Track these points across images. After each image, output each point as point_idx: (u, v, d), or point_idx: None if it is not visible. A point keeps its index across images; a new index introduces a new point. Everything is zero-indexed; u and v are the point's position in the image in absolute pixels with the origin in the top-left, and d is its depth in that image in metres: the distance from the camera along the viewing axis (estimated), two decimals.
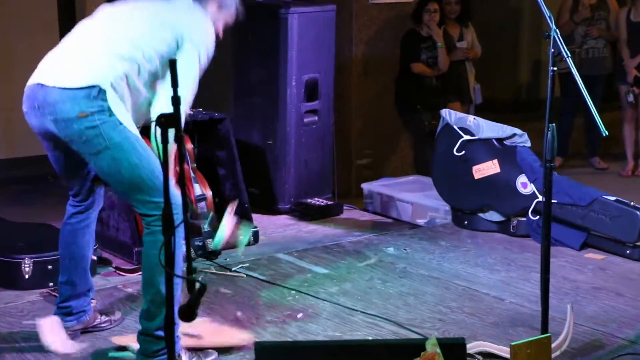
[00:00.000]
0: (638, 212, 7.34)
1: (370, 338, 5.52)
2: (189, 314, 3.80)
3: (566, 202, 7.37)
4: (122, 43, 4.93)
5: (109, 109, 4.75)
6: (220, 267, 6.84)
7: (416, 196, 8.57)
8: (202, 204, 6.76)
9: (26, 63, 5.58)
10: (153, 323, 4.96)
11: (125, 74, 4.79)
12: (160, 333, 4.84)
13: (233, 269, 6.85)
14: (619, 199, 7.57)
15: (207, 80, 5.63)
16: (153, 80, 4.98)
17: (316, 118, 8.68)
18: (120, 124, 4.84)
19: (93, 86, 4.70)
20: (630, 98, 10.24)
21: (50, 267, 6.25)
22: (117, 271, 6.84)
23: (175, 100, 3.37)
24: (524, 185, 7.82)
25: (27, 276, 6.35)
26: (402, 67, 9.61)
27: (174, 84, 3.31)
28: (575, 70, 4.60)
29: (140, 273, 6.03)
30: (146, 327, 4.96)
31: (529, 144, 8.02)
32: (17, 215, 7.84)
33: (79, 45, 5.05)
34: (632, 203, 7.46)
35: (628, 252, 7.22)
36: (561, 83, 9.40)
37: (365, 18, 9.31)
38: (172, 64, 3.37)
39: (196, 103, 6.23)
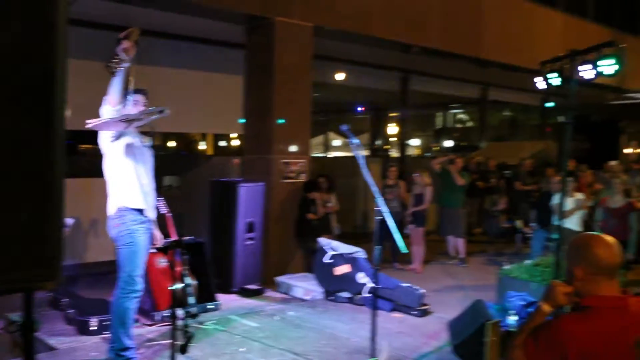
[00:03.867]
0: (416, 291, 7.87)
1: None
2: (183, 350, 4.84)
3: (383, 286, 7.65)
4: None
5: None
6: (198, 323, 6.93)
7: (305, 283, 8.83)
8: (191, 289, 6.05)
9: None
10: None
11: None
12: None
13: (205, 323, 7.10)
14: (409, 284, 8.03)
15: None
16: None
17: (253, 241, 8.95)
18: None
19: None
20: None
21: (105, 323, 6.30)
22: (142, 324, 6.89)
23: None
24: (358, 278, 8.30)
25: (93, 328, 6.58)
26: (299, 215, 9.81)
27: None
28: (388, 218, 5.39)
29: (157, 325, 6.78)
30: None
31: (364, 256, 8.52)
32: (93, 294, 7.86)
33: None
34: (414, 286, 7.93)
35: (414, 312, 7.76)
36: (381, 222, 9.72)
37: (278, 189, 9.57)
38: None
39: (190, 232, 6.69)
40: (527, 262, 8.74)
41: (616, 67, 6.68)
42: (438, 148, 28.74)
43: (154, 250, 6.12)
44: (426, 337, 6.94)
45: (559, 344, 2.48)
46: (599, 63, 6.76)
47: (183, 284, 5.16)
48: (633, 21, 19.53)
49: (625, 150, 18.38)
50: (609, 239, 2.67)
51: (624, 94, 19.30)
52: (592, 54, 6.77)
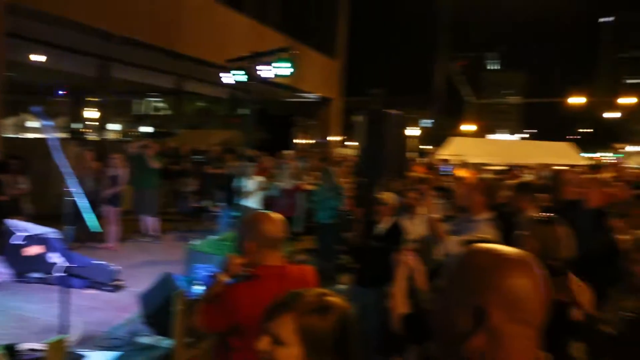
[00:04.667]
0: (109, 268, 7.66)
1: None
2: None
3: (77, 265, 7.34)
4: None
5: None
6: None
7: None
8: None
9: None
10: None
11: None
12: None
13: None
14: (103, 262, 7.75)
15: None
16: None
17: None
18: None
19: None
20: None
21: None
22: None
23: None
24: (50, 257, 7.79)
25: None
26: None
27: None
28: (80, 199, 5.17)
29: None
30: None
31: (57, 236, 7.96)
32: None
33: None
34: (107, 263, 7.67)
35: (107, 288, 7.50)
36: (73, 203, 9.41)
37: None
38: None
39: None
40: (213, 237, 8.91)
41: (290, 69, 7.11)
42: (136, 133, 28.16)
43: None
44: (119, 310, 6.76)
45: (230, 309, 2.59)
46: (275, 65, 7.14)
47: None
48: (306, 32, 21.04)
49: (296, 140, 19.80)
50: (276, 215, 2.83)
51: (296, 93, 20.67)
52: (270, 57, 7.12)
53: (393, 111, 7.17)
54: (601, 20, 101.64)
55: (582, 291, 2.97)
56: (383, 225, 5.52)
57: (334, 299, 1.70)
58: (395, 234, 5.22)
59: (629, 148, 48.46)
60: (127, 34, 12.06)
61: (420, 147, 34.98)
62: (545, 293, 1.24)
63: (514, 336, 1.19)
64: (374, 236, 5.47)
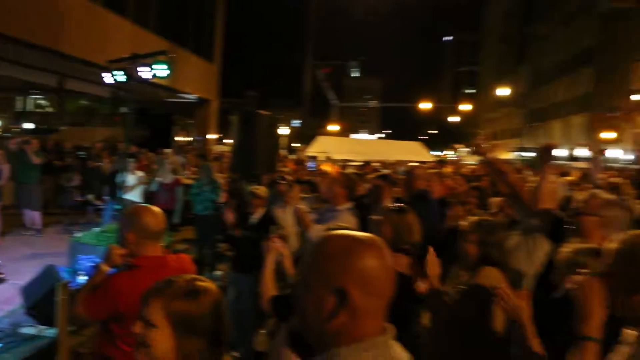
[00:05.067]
0: None
1: None
2: None
3: None
4: None
5: None
6: None
7: None
8: None
9: None
10: None
11: None
12: None
13: None
14: None
15: None
16: None
17: None
18: None
19: None
20: None
21: None
22: None
23: None
24: None
25: None
26: None
27: None
28: None
29: None
30: None
31: None
32: None
33: None
34: None
35: None
36: None
37: None
38: None
39: None
40: (96, 229, 8.55)
41: (167, 71, 6.99)
42: (18, 130, 26.33)
43: None
44: (0, 303, 6.33)
45: (111, 297, 2.52)
46: (154, 67, 6.99)
47: None
48: (185, 38, 20.72)
49: (177, 138, 19.42)
50: (155, 209, 2.78)
51: (176, 94, 20.36)
52: (149, 59, 6.95)
53: (265, 112, 7.21)
54: (444, 39, 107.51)
55: (431, 269, 3.16)
56: (256, 216, 5.55)
57: (204, 284, 1.69)
58: (267, 224, 5.24)
59: (464, 149, 51.65)
60: (9, 32, 11.28)
61: (292, 145, 35.36)
62: (392, 270, 1.29)
63: (368, 311, 1.24)
64: (247, 226, 5.47)
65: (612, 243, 1.95)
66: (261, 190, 5.71)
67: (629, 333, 1.88)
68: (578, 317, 1.94)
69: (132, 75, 6.92)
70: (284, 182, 6.23)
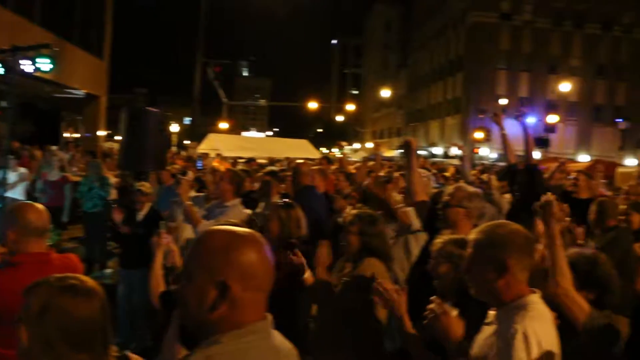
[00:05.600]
0: None
1: None
2: None
3: None
4: None
5: None
6: None
7: None
8: None
9: None
10: None
11: None
12: None
13: None
14: None
15: None
16: None
17: None
18: None
19: None
20: None
21: None
22: None
23: None
24: None
25: None
26: None
27: None
28: None
29: None
30: None
31: None
32: None
33: None
34: None
35: None
36: None
37: None
38: None
39: None
40: None
41: (51, 65, 6.61)
42: None
43: None
44: None
45: None
46: (37, 60, 6.59)
47: None
48: (73, 32, 19.76)
49: (64, 134, 18.46)
50: (38, 206, 2.64)
51: (63, 89, 19.36)
52: (31, 52, 6.53)
53: (154, 109, 6.97)
54: (333, 42, 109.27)
55: (320, 260, 3.22)
56: (143, 212, 5.47)
57: (83, 282, 1.63)
58: (153, 220, 5.19)
59: (349, 147, 52.88)
60: None
61: (184, 142, 34.39)
62: (271, 265, 1.33)
63: (248, 302, 1.28)
64: (135, 223, 5.38)
65: (472, 234, 2.10)
66: (146, 187, 5.63)
67: (491, 314, 2.04)
68: (442, 340, 2.11)
69: (12, 68, 6.44)
70: (183, 177, 6.13)
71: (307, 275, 3.24)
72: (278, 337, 1.38)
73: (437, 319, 2.08)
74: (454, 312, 2.12)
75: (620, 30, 46.16)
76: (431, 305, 2.12)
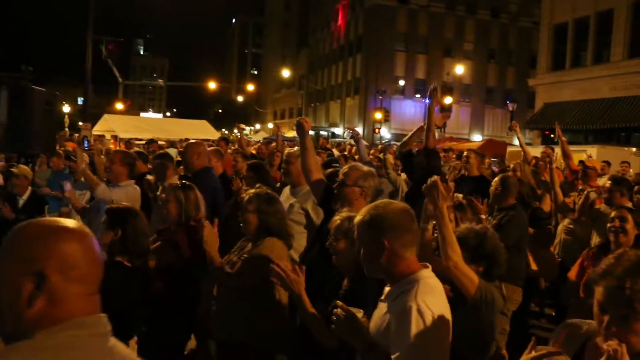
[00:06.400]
0: None
1: None
2: None
3: None
4: None
5: None
6: None
7: None
8: None
9: None
10: None
11: None
12: None
13: None
14: None
15: None
16: None
17: None
18: None
19: None
20: None
21: None
22: None
23: None
24: None
25: None
26: None
27: None
28: None
29: None
30: None
31: None
32: None
33: None
34: None
35: None
36: None
37: None
38: None
39: None
40: None
41: None
42: None
43: None
44: None
45: None
46: None
47: None
48: None
49: None
50: None
51: None
52: None
53: (40, 88, 6.52)
54: (234, 20, 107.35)
55: (208, 243, 3.16)
56: (24, 197, 5.26)
57: None
58: (35, 204, 5.01)
59: (249, 127, 52.51)
60: None
61: (79, 123, 32.61)
62: (96, 258, 1.24)
63: (71, 294, 1.18)
64: (17, 208, 5.10)
65: (359, 215, 2.13)
66: (23, 170, 5.40)
67: (386, 290, 2.09)
68: (349, 342, 2.09)
69: None
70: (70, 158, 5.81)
71: (209, 258, 3.20)
72: (119, 344, 1.26)
73: (343, 323, 2.08)
74: (360, 314, 2.13)
75: (507, 18, 48.84)
76: (336, 310, 2.11)
